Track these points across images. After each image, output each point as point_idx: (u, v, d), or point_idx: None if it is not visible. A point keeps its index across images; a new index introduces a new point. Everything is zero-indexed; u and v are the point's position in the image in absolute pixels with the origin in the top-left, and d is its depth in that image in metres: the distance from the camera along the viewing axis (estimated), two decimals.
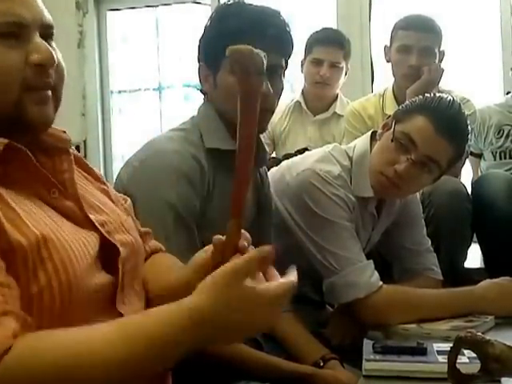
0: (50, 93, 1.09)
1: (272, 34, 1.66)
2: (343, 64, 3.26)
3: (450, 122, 1.90)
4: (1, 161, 1.01)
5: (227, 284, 0.93)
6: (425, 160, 1.90)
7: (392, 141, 1.93)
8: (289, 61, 1.80)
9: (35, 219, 1.00)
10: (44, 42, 1.08)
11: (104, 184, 1.28)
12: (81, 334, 0.91)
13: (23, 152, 1.04)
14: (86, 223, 1.11)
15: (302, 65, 3.29)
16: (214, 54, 1.70)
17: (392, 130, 1.95)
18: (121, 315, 1.10)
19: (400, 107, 2.06)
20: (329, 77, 3.23)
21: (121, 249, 1.13)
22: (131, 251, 1.17)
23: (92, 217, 1.12)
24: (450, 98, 1.97)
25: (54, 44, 1.11)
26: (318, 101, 3.35)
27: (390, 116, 2.06)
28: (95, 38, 4.31)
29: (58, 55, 1.10)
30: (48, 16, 1.11)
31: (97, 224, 1.12)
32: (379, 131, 2.03)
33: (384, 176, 1.94)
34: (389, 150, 1.95)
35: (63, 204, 1.09)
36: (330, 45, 3.23)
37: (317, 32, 3.33)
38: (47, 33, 1.10)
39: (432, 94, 2.00)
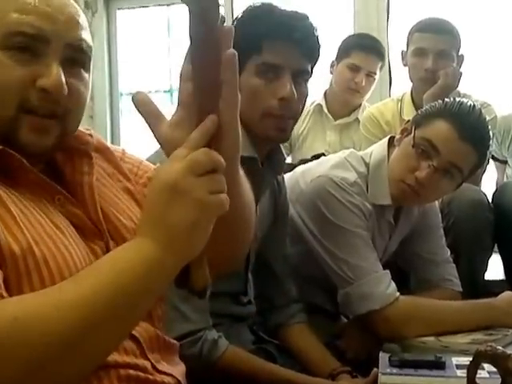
0: (52, 122, 1.03)
1: (299, 37, 1.64)
2: (378, 75, 3.22)
3: (472, 126, 1.87)
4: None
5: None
6: (447, 166, 1.86)
7: (413, 147, 1.89)
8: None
9: (33, 225, 0.96)
10: (60, 68, 1.02)
11: (129, 181, 1.21)
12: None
13: (17, 159, 1.00)
14: (92, 232, 1.07)
15: (332, 65, 3.23)
16: (239, 55, 1.66)
17: (412, 135, 1.90)
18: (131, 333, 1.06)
19: (419, 112, 2.02)
20: (363, 85, 3.17)
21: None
22: None
23: (99, 223, 1.08)
24: (470, 102, 1.93)
25: (84, 74, 1.07)
26: (343, 106, 3.30)
27: (408, 121, 2.02)
28: (104, 38, 4.29)
29: (81, 85, 1.06)
30: (86, 42, 1.07)
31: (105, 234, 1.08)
32: (397, 137, 2.00)
33: (405, 183, 1.90)
34: (409, 156, 1.90)
35: (69, 211, 1.05)
36: (371, 53, 3.17)
37: (357, 36, 3.30)
38: (77, 58, 1.06)
39: (452, 99, 1.97)
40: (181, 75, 0.96)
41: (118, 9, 4.34)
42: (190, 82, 0.93)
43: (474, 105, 1.93)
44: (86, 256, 1.01)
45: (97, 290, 0.85)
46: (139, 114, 0.97)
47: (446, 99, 1.97)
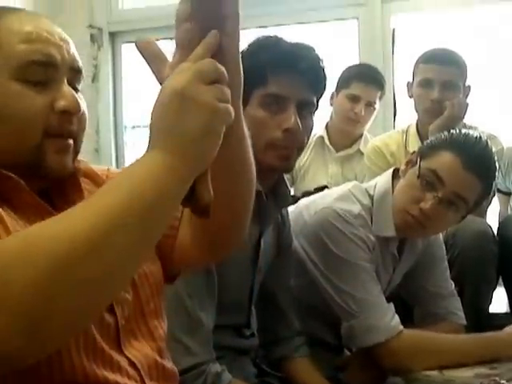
0: (71, 141, 1.07)
1: (304, 69, 1.65)
2: (378, 104, 3.23)
3: (478, 157, 1.87)
4: None
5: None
6: (452, 197, 1.86)
7: (418, 177, 1.89)
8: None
9: None
10: (71, 88, 1.06)
11: None
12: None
13: (14, 180, 1.01)
14: None
15: (331, 97, 3.24)
16: (244, 87, 1.68)
17: (417, 166, 1.90)
18: (127, 358, 1.05)
19: (425, 143, 2.02)
20: (363, 115, 3.18)
21: None
22: (133, 289, 1.10)
23: None
24: (476, 133, 1.93)
25: (79, 93, 1.10)
26: (344, 137, 3.30)
27: (413, 152, 2.02)
28: (110, 72, 4.31)
29: (83, 104, 1.09)
30: (79, 61, 1.10)
31: None
32: (402, 168, 1.99)
33: (409, 214, 1.90)
34: (414, 187, 1.90)
35: None
36: (370, 83, 3.17)
37: (356, 66, 3.30)
38: (75, 78, 1.09)
39: (458, 130, 1.97)
40: (177, 16, 0.96)
41: (124, 43, 4.37)
42: (187, 22, 0.94)
43: (480, 136, 1.92)
44: None
45: (115, 197, 0.83)
46: (143, 60, 0.99)
47: (452, 130, 1.97)
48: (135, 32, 4.22)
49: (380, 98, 3.23)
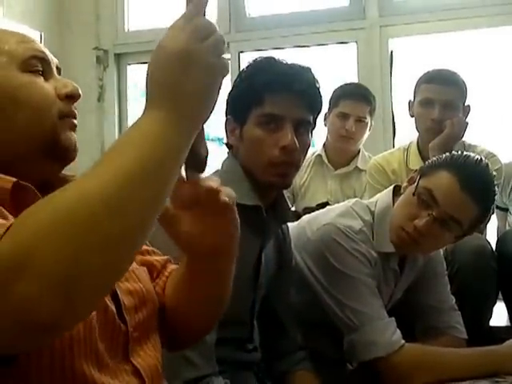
0: (76, 121, 1.15)
1: (300, 88, 1.68)
2: (368, 119, 3.25)
3: (476, 179, 1.86)
4: (12, 197, 1.01)
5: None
6: (445, 218, 1.85)
7: (413, 195, 1.91)
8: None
9: None
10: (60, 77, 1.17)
11: None
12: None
13: (31, 190, 1.03)
14: None
15: (325, 118, 3.29)
16: (242, 107, 1.73)
17: (416, 183, 1.92)
18: (135, 367, 1.07)
19: (427, 162, 2.02)
20: (354, 131, 3.20)
21: (124, 297, 1.10)
22: (140, 301, 1.14)
23: None
24: (477, 156, 1.93)
25: None
26: (341, 155, 3.34)
27: (415, 170, 2.03)
28: (115, 93, 4.36)
29: None
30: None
31: None
32: (404, 184, 2.01)
33: (404, 231, 1.90)
34: (410, 204, 1.91)
35: None
36: (357, 100, 3.22)
37: (343, 86, 3.34)
38: (59, 73, 1.19)
39: (459, 152, 1.97)
40: None
41: (129, 64, 4.43)
42: None
43: (481, 159, 1.92)
44: None
45: (129, 156, 0.85)
46: None
47: (454, 152, 1.97)
48: (140, 54, 4.29)
49: (371, 114, 3.27)
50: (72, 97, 1.13)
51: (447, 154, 1.96)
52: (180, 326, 1.24)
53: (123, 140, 0.90)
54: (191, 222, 1.08)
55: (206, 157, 0.99)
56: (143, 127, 0.89)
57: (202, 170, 0.99)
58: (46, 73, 1.14)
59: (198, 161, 0.98)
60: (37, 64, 1.12)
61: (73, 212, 0.80)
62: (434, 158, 1.99)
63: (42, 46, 1.16)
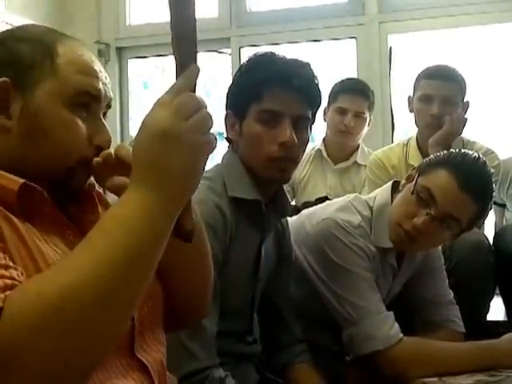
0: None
1: (299, 84, 1.68)
2: (367, 114, 3.27)
3: (474, 177, 1.86)
4: (18, 198, 1.02)
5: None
6: (444, 216, 1.86)
7: (412, 193, 1.91)
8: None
9: (48, 259, 0.98)
10: (107, 125, 1.14)
11: None
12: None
13: (39, 191, 1.05)
14: None
15: (324, 113, 3.30)
16: (241, 102, 1.73)
17: (414, 182, 1.93)
18: (141, 362, 1.08)
19: (425, 160, 2.03)
20: (353, 126, 3.22)
21: None
22: (147, 293, 1.14)
23: None
24: (475, 154, 1.93)
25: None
26: (340, 150, 3.35)
27: (414, 168, 2.03)
28: (116, 86, 4.37)
29: None
30: (110, 92, 1.17)
31: None
32: (402, 182, 2.01)
33: (402, 228, 1.91)
34: (409, 202, 1.92)
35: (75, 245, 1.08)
36: (355, 94, 3.24)
37: (342, 81, 3.35)
38: (107, 112, 1.17)
39: (457, 150, 1.97)
40: None
41: (130, 58, 4.44)
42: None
43: (479, 156, 1.92)
44: None
45: (110, 249, 0.86)
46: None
47: (452, 149, 1.98)
48: (141, 48, 4.31)
49: (369, 109, 3.28)
50: (102, 148, 1.11)
51: (445, 151, 1.96)
52: (172, 296, 1.22)
53: (110, 220, 0.90)
54: None
55: (192, 230, 0.99)
56: (129, 207, 0.90)
57: (189, 240, 0.99)
58: (91, 110, 1.11)
59: (183, 233, 0.98)
60: (86, 100, 1.10)
61: (62, 308, 0.81)
62: (432, 156, 1.99)
63: (101, 81, 1.12)
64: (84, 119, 1.10)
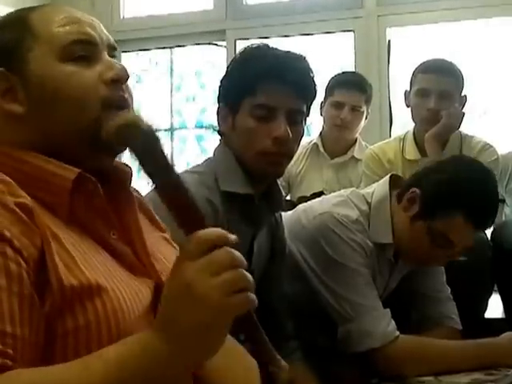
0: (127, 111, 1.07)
1: (293, 78, 1.66)
2: (364, 108, 3.25)
3: (491, 216, 1.96)
4: (71, 191, 0.99)
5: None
6: (461, 251, 1.97)
7: (427, 234, 1.92)
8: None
9: (90, 265, 0.96)
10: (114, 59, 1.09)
11: (164, 231, 1.23)
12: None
13: (93, 183, 1.02)
14: (139, 270, 1.06)
15: (321, 107, 3.28)
16: (234, 96, 1.71)
17: (425, 222, 1.92)
18: None
19: (434, 193, 1.94)
20: (349, 120, 3.21)
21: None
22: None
23: (148, 262, 1.07)
24: (484, 176, 1.94)
25: None
26: (337, 144, 3.33)
27: (414, 191, 1.96)
28: None
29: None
30: (112, 38, 1.13)
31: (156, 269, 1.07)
32: (403, 204, 1.97)
33: (419, 262, 2.06)
34: (423, 242, 1.94)
35: (120, 248, 1.05)
36: (352, 88, 3.21)
37: (338, 75, 3.33)
38: (113, 55, 1.12)
39: (467, 184, 1.91)
40: None
41: (124, 52, 4.42)
42: None
43: (487, 180, 1.94)
44: (135, 295, 1.00)
45: (104, 382, 0.85)
46: None
47: (464, 185, 1.92)
48: (135, 41, 4.29)
49: (366, 103, 3.26)
50: (118, 80, 1.07)
51: (456, 191, 1.90)
52: None
53: (109, 355, 0.88)
54: None
55: (286, 377, 0.98)
56: (143, 356, 0.87)
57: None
58: (92, 57, 1.07)
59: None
60: (79, 50, 1.06)
61: None
62: (437, 189, 1.93)
63: (89, 26, 1.08)
64: (86, 65, 1.06)
